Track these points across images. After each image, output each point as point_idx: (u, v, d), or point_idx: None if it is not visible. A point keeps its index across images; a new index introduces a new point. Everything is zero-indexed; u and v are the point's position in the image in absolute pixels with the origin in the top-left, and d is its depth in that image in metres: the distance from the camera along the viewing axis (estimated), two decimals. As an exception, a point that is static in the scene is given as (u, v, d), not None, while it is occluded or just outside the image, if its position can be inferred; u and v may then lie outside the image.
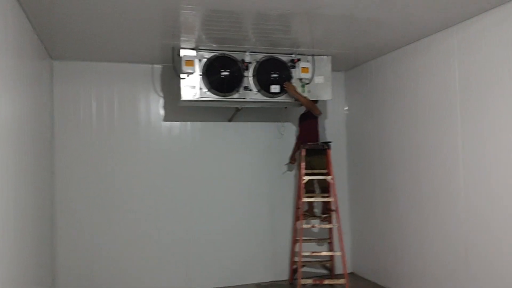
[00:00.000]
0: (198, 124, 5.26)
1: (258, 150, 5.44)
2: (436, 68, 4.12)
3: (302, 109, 5.23)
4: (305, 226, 4.72)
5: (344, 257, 4.60)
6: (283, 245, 5.46)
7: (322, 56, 4.92)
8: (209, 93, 4.56)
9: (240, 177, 5.37)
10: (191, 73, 4.47)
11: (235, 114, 5.17)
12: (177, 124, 5.20)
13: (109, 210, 4.91)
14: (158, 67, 5.14)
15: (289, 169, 5.53)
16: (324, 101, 5.29)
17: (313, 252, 4.83)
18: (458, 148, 3.85)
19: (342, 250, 4.62)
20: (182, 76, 4.46)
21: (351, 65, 5.45)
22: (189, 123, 5.23)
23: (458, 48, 3.87)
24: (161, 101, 5.15)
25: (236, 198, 5.33)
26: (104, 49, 4.52)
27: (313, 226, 4.88)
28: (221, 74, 4.49)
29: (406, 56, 4.56)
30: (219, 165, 5.30)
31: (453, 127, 3.91)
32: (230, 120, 5.32)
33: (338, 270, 5.38)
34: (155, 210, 5.05)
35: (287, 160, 5.49)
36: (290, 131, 5.55)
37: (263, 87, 4.65)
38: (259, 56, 4.70)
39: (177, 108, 5.10)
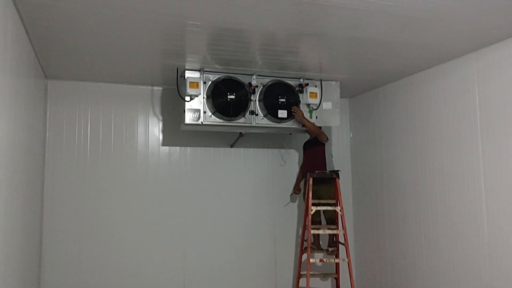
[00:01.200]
0: (198, 150, 4.99)
1: (260, 178, 5.19)
2: (453, 94, 3.96)
3: (306, 136, 5.03)
4: (313, 260, 4.43)
5: (355, 294, 4.32)
6: (285, 280, 5.15)
7: (330, 82, 4.75)
8: (213, 117, 4.32)
9: (241, 206, 5.08)
10: (196, 96, 4.24)
11: (238, 139, 4.93)
12: (176, 149, 4.93)
13: (100, 241, 4.55)
14: (158, 89, 4.90)
15: (292, 200, 5.27)
16: (329, 128, 5.09)
17: (321, 288, 4.53)
18: (480, 177, 3.66)
19: (352, 286, 4.33)
20: (186, 98, 4.22)
21: (358, 91, 5.29)
22: (189, 148, 4.96)
23: (477, 75, 3.72)
24: (161, 125, 4.89)
25: (236, 229, 5.03)
26: (102, 69, 4.27)
27: (321, 261, 4.59)
28: (227, 98, 4.27)
29: (419, 82, 4.41)
30: (219, 192, 5.02)
31: (474, 154, 3.72)
32: (232, 146, 5.07)
33: (344, 306, 5.11)
34: (150, 241, 4.71)
35: (290, 188, 5.24)
36: (293, 159, 5.33)
37: (270, 111, 4.44)
38: (266, 80, 4.50)
39: (177, 133, 4.84)
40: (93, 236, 4.54)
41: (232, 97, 4.29)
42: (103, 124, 4.69)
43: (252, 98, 4.41)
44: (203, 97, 4.29)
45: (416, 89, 4.45)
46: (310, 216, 4.48)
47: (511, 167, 3.39)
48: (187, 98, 4.23)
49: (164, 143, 4.88)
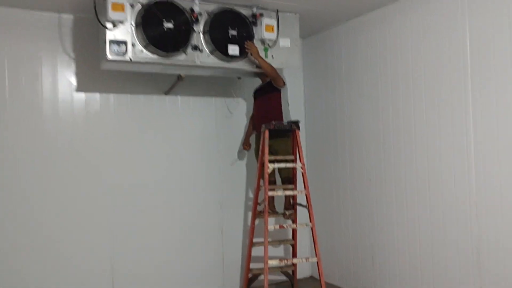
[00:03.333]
0: (124, 97, 3.97)
1: (201, 133, 4.30)
2: (436, 31, 3.33)
3: (256, 82, 4.21)
4: (272, 227, 3.71)
5: (320, 264, 3.69)
6: (234, 250, 4.43)
7: (288, 13, 3.92)
8: (145, 53, 3.33)
9: (178, 167, 4.18)
10: (121, 21, 3.21)
11: (175, 84, 3.97)
12: (95, 96, 3.86)
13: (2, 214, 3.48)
14: (68, 17, 3.75)
15: (240, 158, 4.48)
16: (280, 71, 4.25)
17: (282, 259, 3.84)
18: (469, 135, 3.11)
19: (317, 254, 3.70)
20: (107, 25, 3.18)
21: (315, 29, 4.50)
22: (112, 95, 3.92)
23: (469, 5, 3.10)
24: (73, 65, 3.77)
25: (173, 195, 4.15)
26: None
27: (281, 227, 3.89)
28: (163, 26, 3.29)
29: (391, 16, 3.74)
30: (151, 151, 4.07)
31: (461, 105, 3.15)
32: (167, 93, 4.11)
33: (300, 275, 4.53)
34: (65, 210, 3.69)
35: (237, 144, 4.44)
36: (240, 109, 4.50)
37: (218, 47, 3.53)
38: (212, 7, 3.56)
39: (97, 75, 3.78)
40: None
41: (170, 25, 3.32)
42: (-8, 61, 3.50)
43: (195, 28, 3.47)
44: (131, 25, 3.27)
45: (388, 24, 3.77)
46: (266, 175, 3.73)
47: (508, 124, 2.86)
48: (109, 25, 3.18)
49: (79, 88, 3.79)
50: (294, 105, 4.72)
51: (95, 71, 3.71)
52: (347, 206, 4.29)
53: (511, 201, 2.87)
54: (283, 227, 3.91)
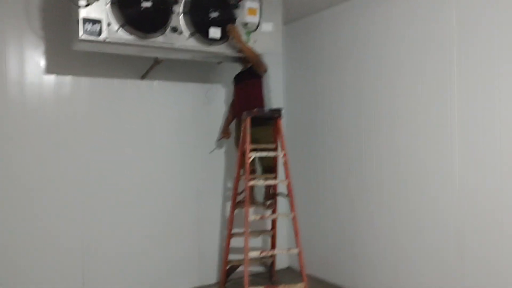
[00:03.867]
0: (97, 81, 3.74)
1: (178, 120, 4.13)
2: (420, 16, 3.27)
3: (235, 68, 4.07)
4: (253, 217, 3.60)
5: (302, 255, 3.61)
6: (211, 242, 4.30)
7: (271, -3, 3.79)
8: (121, 33, 3.13)
9: (154, 156, 4.00)
10: (96, -1, 3.00)
11: (151, 68, 3.78)
12: (66, 79, 3.62)
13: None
14: (36, -7, 3.50)
15: (219, 146, 4.34)
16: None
17: (263, 250, 3.74)
18: (453, 126, 3.07)
19: (299, 245, 3.61)
20: (80, 2, 2.96)
21: (296, 14, 4.39)
22: (84, 79, 3.69)
23: (458, -11, 3.06)
24: (42, 45, 3.52)
25: (148, 185, 3.96)
26: None
27: (263, 217, 3.77)
28: (140, 5, 3.09)
29: (375, 2, 3.67)
30: (125, 139, 3.87)
31: (446, 95, 3.11)
32: (143, 78, 3.91)
33: (278, 266, 4.47)
34: (32, 200, 3.47)
35: (215, 132, 4.30)
36: (219, 96, 4.34)
37: (199, 29, 3.37)
38: (192, -13, 3.39)
39: (68, 56, 3.55)
40: None
41: (148, 4, 3.12)
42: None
43: (174, 9, 3.29)
44: (107, 3, 3.06)
45: (371, 11, 3.70)
46: (248, 165, 3.61)
47: (495, 118, 2.83)
48: (82, 2, 2.96)
49: (48, 70, 3.55)
50: (273, 92, 4.63)
51: (66, 52, 3.47)
52: (327, 196, 4.22)
53: (492, 192, 2.85)
54: (264, 217, 3.80)
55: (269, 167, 3.98)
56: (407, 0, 3.40)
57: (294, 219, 3.66)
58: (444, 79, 3.13)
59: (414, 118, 3.36)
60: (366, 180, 3.79)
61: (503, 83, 2.80)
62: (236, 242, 4.02)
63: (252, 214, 3.99)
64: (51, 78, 3.55)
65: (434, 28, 3.20)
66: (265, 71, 3.83)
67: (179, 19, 3.33)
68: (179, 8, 3.32)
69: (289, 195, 3.70)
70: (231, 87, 4.12)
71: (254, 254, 3.56)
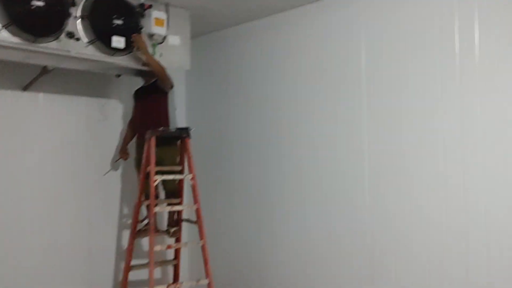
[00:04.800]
0: (-34, 91, 3.10)
1: (68, 139, 3.60)
2: (331, 38, 3.34)
3: (135, 82, 3.72)
4: (159, 247, 3.23)
5: (212, 287, 3.33)
6: (104, 277, 3.80)
7: (178, 8, 3.54)
8: (5, 34, 2.61)
9: (38, 179, 3.42)
10: (-28, -9, 2.46)
11: (37, 78, 3.24)
12: None
13: None
14: None
15: (115, 168, 3.89)
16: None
17: (169, 284, 3.35)
18: (363, 139, 3.16)
19: (208, 276, 3.34)
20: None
21: (204, 30, 4.19)
22: None
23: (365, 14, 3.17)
24: None
25: (30, 212, 3.38)
26: None
27: (170, 247, 3.41)
28: (31, 3, 2.62)
29: (277, 25, 3.66)
30: (5, 160, 3.26)
31: (356, 113, 3.19)
32: (25, 89, 3.34)
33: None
34: None
35: (111, 152, 3.85)
36: (116, 113, 3.92)
37: (100, 37, 2.98)
38: (93, -12, 3.00)
39: None
40: None
41: (40, 3, 2.66)
42: None
43: (71, 11, 2.87)
44: (-13, -2, 2.53)
45: (281, 31, 3.69)
46: (153, 189, 3.26)
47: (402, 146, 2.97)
48: (-45, -7, 2.41)
49: None
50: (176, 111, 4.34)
51: None
52: (235, 221, 4.04)
53: (403, 205, 2.95)
54: (171, 247, 3.46)
55: (174, 191, 3.66)
56: (316, 27, 3.44)
57: (204, 247, 3.39)
58: (354, 104, 3.20)
59: (324, 141, 3.39)
60: (273, 204, 3.71)
61: (406, 115, 2.94)
62: (134, 275, 3.60)
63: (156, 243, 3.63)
64: None
65: (344, 54, 3.28)
66: (172, 87, 3.55)
67: (77, 23, 2.91)
68: (77, 11, 2.90)
69: (198, 221, 3.43)
70: (131, 103, 3.74)
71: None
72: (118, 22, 3.06)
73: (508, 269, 2.52)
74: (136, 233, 3.54)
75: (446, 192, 2.75)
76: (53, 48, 2.82)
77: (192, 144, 4.33)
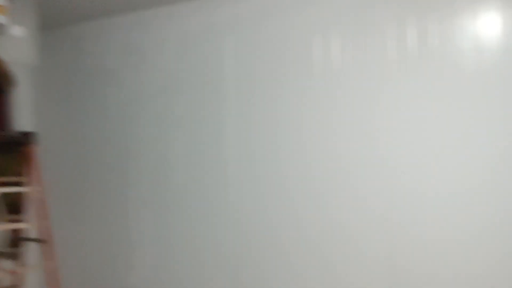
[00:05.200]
0: None
1: None
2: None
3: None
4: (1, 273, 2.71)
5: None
6: None
7: (23, -4, 3.07)
8: None
9: None
10: None
11: None
12: None
13: None
14: None
15: None
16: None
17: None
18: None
19: (59, 303, 2.92)
20: None
21: (56, 22, 3.71)
22: None
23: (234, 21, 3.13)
24: None
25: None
26: None
27: (13, 272, 2.88)
28: None
29: (147, 22, 3.44)
30: None
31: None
32: None
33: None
34: None
35: None
36: None
37: None
38: None
39: None
40: None
41: None
42: None
43: None
44: None
45: (148, 28, 3.46)
46: (-13, 204, 2.74)
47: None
48: None
49: None
50: (20, 111, 3.77)
51: None
52: (94, 237, 3.65)
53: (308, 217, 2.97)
54: (18, 272, 2.94)
55: (15, 206, 3.14)
56: (177, 31, 3.30)
57: (54, 271, 2.95)
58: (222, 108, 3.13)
59: (186, 147, 3.25)
60: (130, 218, 3.45)
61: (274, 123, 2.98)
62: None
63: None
64: None
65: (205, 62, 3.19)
66: (13, 84, 3.05)
67: None
68: None
69: (46, 240, 2.98)
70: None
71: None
72: None
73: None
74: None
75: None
76: None
77: (42, 152, 3.84)
